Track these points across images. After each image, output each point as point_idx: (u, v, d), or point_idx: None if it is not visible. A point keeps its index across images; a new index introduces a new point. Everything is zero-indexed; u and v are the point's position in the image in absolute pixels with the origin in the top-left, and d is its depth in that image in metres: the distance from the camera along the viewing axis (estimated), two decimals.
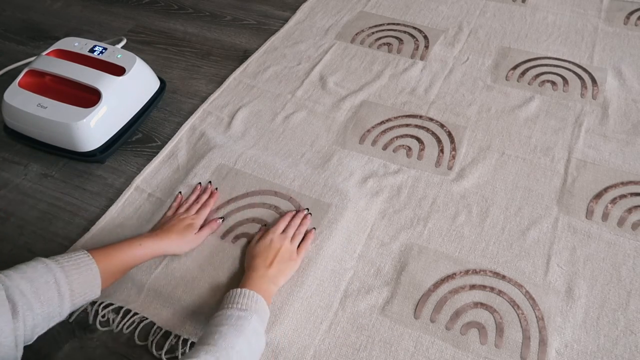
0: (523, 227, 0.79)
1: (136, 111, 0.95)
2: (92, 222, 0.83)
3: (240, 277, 0.73)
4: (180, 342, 0.68)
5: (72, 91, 0.90)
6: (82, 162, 0.92)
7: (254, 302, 0.64)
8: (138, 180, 0.88)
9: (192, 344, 0.68)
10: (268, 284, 0.69)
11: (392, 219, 0.81)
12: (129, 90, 0.92)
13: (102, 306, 0.72)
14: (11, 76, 1.04)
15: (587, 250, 0.76)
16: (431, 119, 0.96)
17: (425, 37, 1.14)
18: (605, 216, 0.80)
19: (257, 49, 1.15)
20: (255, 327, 0.61)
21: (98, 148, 0.89)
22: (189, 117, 0.99)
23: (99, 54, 0.94)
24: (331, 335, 0.68)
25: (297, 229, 0.77)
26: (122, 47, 1.04)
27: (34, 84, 0.91)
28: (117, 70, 0.91)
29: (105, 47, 0.96)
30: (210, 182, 0.86)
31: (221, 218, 0.81)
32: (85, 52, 0.94)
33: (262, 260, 0.72)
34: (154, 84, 0.99)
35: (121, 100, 0.91)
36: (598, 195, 0.82)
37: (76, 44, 0.96)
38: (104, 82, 0.88)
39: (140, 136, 0.97)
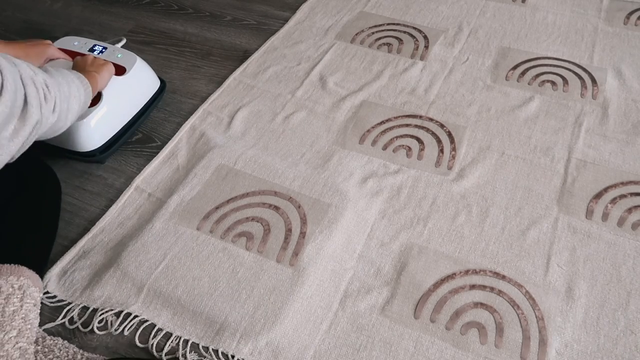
0: (523, 227, 0.79)
1: (137, 111, 0.95)
2: (93, 222, 0.83)
3: (239, 275, 0.73)
4: (181, 342, 0.68)
5: None
6: (82, 162, 0.92)
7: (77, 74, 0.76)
8: (138, 180, 0.88)
9: (193, 344, 0.68)
10: (91, 73, 0.82)
11: (392, 219, 0.81)
12: (129, 90, 0.92)
13: (101, 312, 0.72)
14: None
15: (587, 250, 0.76)
16: (431, 119, 0.96)
17: (425, 37, 1.14)
18: (605, 216, 0.80)
19: (257, 49, 1.15)
20: (77, 82, 0.73)
21: (98, 148, 0.88)
22: (189, 117, 0.99)
23: (99, 54, 0.94)
24: (331, 335, 0.68)
25: None
26: (122, 47, 1.04)
27: None
28: (118, 70, 0.91)
29: (105, 46, 0.96)
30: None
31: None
32: (85, 51, 0.95)
33: (80, 66, 0.85)
34: (154, 84, 0.99)
35: (122, 101, 0.91)
36: (598, 195, 0.82)
37: (76, 43, 0.96)
38: None
39: (140, 136, 0.97)
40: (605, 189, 0.83)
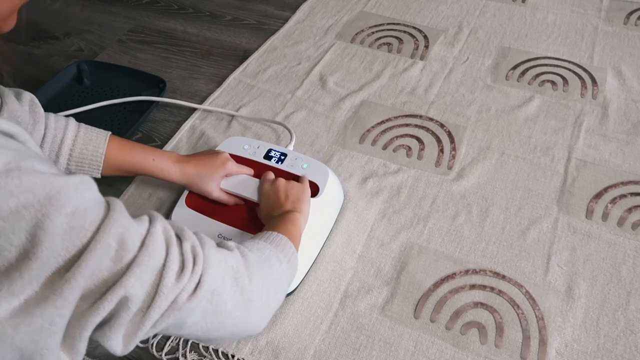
0: (523, 227, 0.79)
1: (325, 239, 0.77)
2: None
3: None
4: (181, 342, 0.68)
5: (247, 210, 0.76)
6: None
7: (278, 240, 0.61)
8: (138, 179, 0.88)
9: (193, 344, 0.68)
10: (291, 218, 0.66)
11: (392, 219, 0.81)
12: (322, 215, 0.75)
13: None
14: None
15: (587, 250, 0.76)
16: (431, 119, 0.96)
17: (425, 37, 1.14)
18: (605, 216, 0.80)
19: (257, 48, 1.15)
20: (278, 257, 0.58)
21: (290, 293, 0.72)
22: (189, 116, 0.99)
23: (277, 162, 0.78)
24: (331, 335, 0.68)
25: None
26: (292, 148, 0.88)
27: (200, 202, 0.77)
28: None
29: (284, 152, 0.80)
30: None
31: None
32: (260, 157, 0.79)
33: (274, 202, 0.70)
34: (340, 198, 0.81)
35: (314, 230, 0.73)
36: (598, 195, 0.82)
37: (246, 147, 0.81)
38: None
39: (140, 136, 0.97)
40: (605, 189, 0.83)
